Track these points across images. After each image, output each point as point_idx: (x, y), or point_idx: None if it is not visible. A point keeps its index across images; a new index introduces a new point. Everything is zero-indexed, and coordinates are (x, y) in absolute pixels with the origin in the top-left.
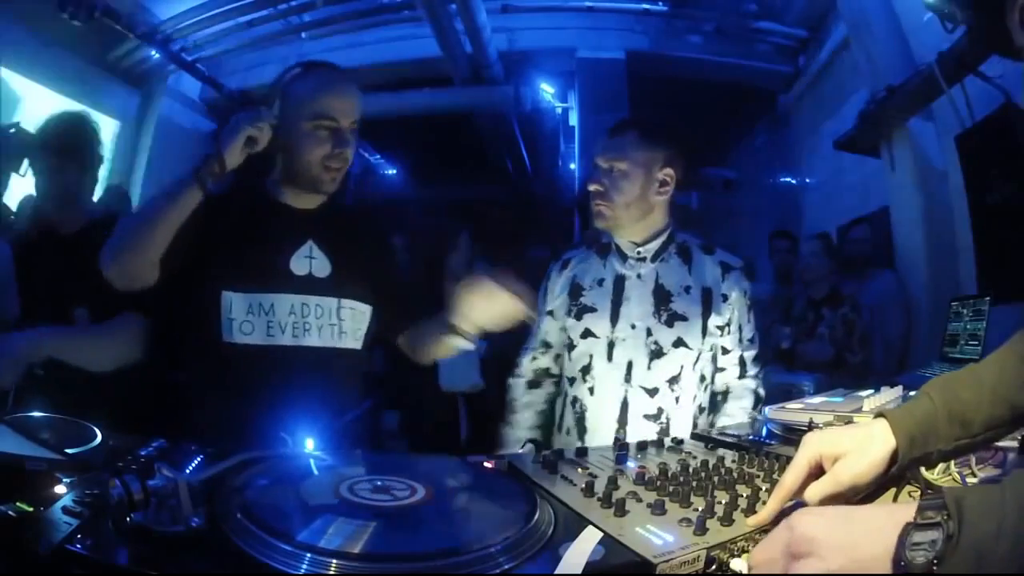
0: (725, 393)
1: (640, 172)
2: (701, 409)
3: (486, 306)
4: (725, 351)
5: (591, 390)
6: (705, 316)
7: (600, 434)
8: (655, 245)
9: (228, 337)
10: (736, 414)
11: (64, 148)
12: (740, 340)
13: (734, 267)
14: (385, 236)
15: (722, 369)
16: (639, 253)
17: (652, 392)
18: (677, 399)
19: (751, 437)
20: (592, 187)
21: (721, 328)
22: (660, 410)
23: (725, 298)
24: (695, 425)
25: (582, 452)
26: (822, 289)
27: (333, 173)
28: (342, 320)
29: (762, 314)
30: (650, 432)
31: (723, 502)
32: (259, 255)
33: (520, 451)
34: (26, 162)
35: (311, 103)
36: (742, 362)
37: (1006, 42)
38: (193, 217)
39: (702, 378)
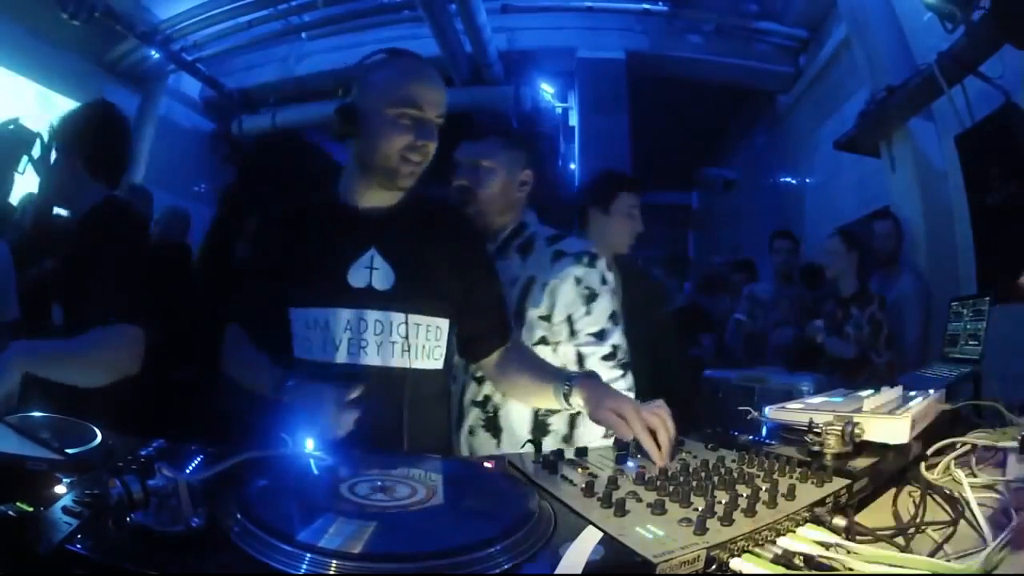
0: None
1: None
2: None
3: (635, 431)
4: (556, 347)
5: None
6: (521, 306)
7: (515, 434)
8: (498, 242)
9: (296, 353)
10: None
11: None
12: (573, 333)
13: (567, 254)
14: (474, 238)
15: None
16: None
17: None
18: None
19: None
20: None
21: (544, 319)
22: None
23: (545, 286)
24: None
25: (582, 452)
26: (850, 286)
27: (412, 167)
28: (407, 337)
29: (764, 314)
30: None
31: (723, 502)
32: (316, 266)
33: (520, 451)
34: (25, 159)
35: (396, 89)
36: (580, 360)
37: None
38: (264, 226)
39: None
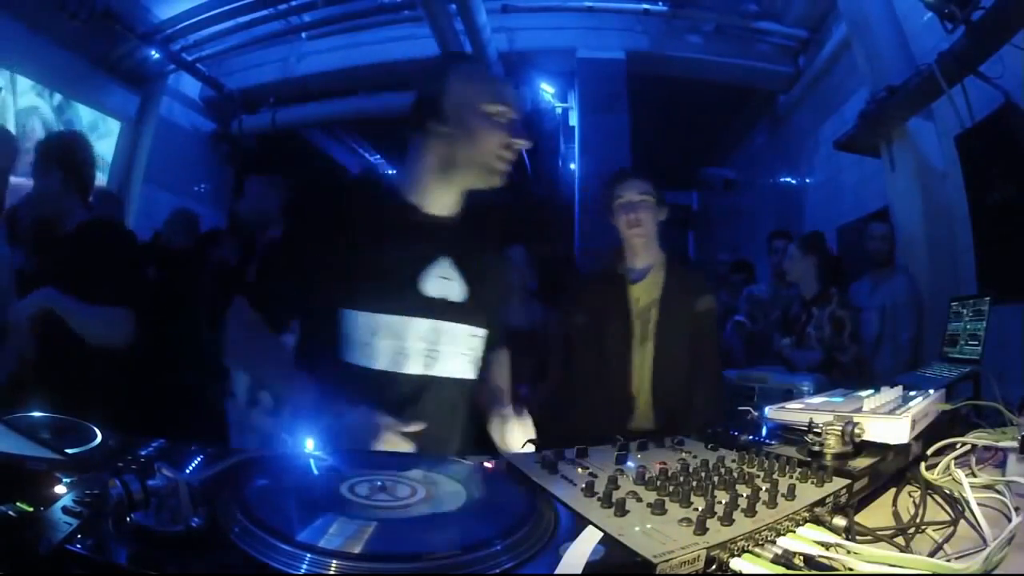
0: None
1: None
2: None
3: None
4: None
5: None
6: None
7: None
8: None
9: (349, 358)
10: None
11: (63, 166)
12: None
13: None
14: (501, 248)
15: None
16: None
17: None
18: None
19: (751, 437)
20: None
21: None
22: None
23: None
24: None
25: (582, 452)
26: (812, 288)
27: (505, 164)
28: (471, 350)
29: (764, 315)
30: None
31: (723, 502)
32: (390, 271)
33: (520, 451)
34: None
35: (491, 86)
36: None
37: None
38: (318, 221)
39: None
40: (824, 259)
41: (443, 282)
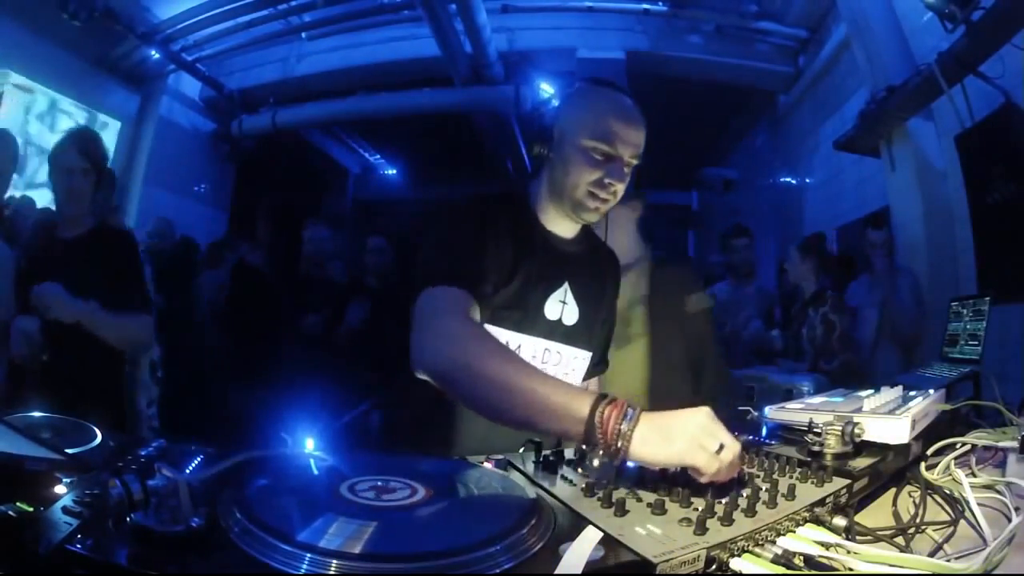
0: None
1: None
2: None
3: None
4: None
5: None
6: None
7: None
8: None
9: None
10: None
11: (78, 163)
12: None
13: None
14: (618, 275)
15: None
16: None
17: None
18: None
19: (751, 437)
20: None
21: None
22: None
23: None
24: None
25: (582, 453)
26: (810, 288)
27: (598, 203)
28: (574, 371)
29: (733, 315)
30: None
31: (723, 502)
32: (520, 289)
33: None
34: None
35: (594, 121)
36: None
37: None
38: (478, 223)
39: None
40: (823, 261)
41: (560, 305)
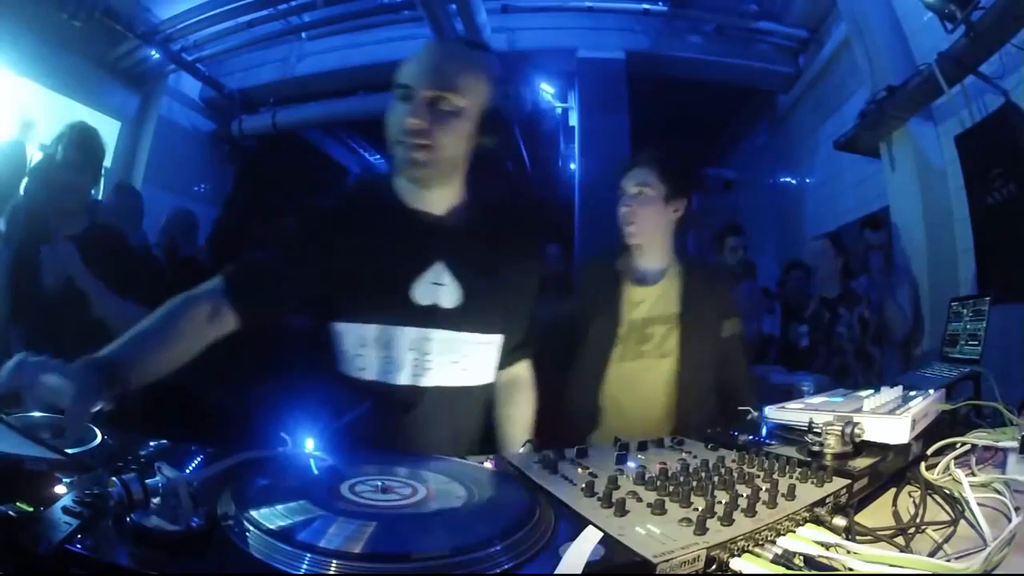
0: None
1: None
2: None
3: None
4: None
5: None
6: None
7: None
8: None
9: (343, 369)
10: None
11: (79, 154)
12: None
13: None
14: (536, 248)
15: None
16: None
17: None
18: None
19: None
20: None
21: None
22: None
23: None
24: None
25: (582, 452)
26: (834, 288)
27: (407, 152)
28: (466, 357)
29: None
30: None
31: (723, 502)
32: (376, 278)
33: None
34: (25, 180)
35: (411, 60)
36: None
37: None
38: (314, 224)
39: None
40: (847, 260)
41: (435, 287)
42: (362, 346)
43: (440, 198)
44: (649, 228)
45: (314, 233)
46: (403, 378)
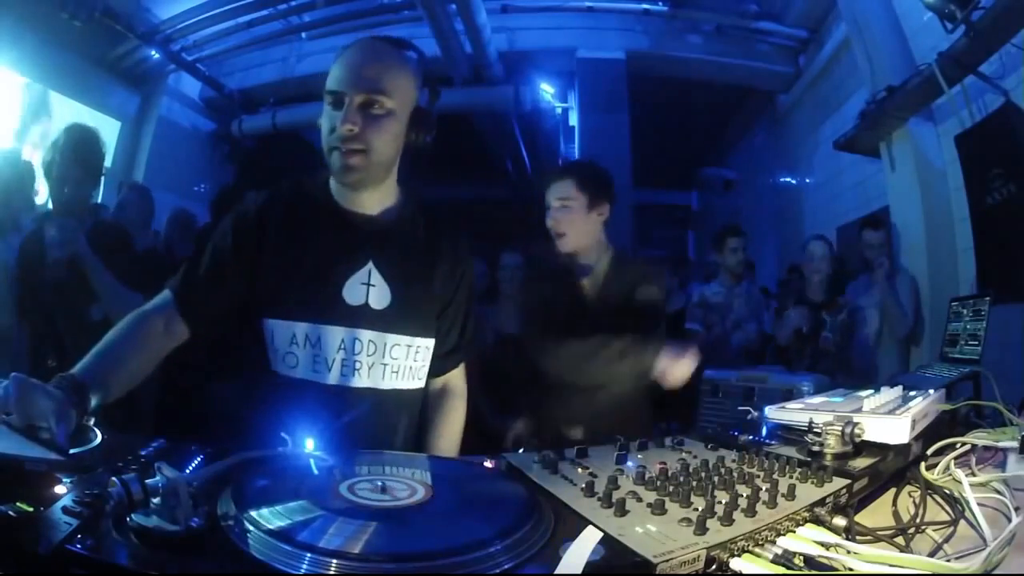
0: None
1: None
2: None
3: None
4: None
5: None
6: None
7: None
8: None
9: (275, 367)
10: None
11: (78, 159)
12: None
13: None
14: (466, 252)
15: None
16: None
17: None
18: None
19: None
20: None
21: None
22: None
23: None
24: None
25: (582, 452)
26: (820, 293)
27: (343, 159)
28: (395, 359)
29: (720, 318)
30: None
31: (723, 502)
32: (308, 277)
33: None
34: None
35: (338, 63)
36: None
37: None
38: (244, 224)
39: None
40: (842, 262)
41: (365, 288)
42: (292, 344)
43: (373, 199)
44: (578, 234)
45: (244, 233)
46: (332, 378)
